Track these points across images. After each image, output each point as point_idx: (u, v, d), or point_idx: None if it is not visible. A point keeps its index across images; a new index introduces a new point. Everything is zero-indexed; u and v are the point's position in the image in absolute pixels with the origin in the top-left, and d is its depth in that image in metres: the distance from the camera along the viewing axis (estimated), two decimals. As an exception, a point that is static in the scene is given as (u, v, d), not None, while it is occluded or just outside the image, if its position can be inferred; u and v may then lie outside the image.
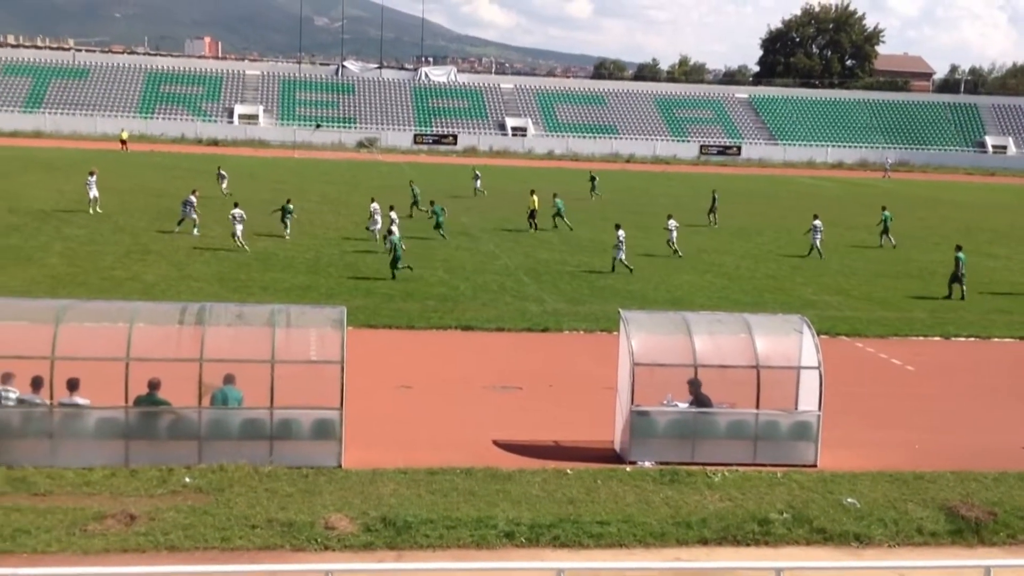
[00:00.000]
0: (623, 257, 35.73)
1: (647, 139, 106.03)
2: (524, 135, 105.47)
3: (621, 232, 35.82)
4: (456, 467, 16.10)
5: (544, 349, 25.13)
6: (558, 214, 46.03)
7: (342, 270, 33.75)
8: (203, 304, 18.15)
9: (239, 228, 36.74)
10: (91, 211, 42.97)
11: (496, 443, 17.84)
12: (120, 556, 12.50)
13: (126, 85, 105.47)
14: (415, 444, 17.48)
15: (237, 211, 37.24)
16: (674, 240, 39.83)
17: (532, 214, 45.29)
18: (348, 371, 16.48)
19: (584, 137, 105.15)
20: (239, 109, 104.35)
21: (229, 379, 16.70)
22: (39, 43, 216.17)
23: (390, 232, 34.45)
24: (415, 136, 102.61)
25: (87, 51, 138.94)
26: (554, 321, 27.73)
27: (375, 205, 40.94)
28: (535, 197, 45.88)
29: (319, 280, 31.88)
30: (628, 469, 16.75)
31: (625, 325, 17.91)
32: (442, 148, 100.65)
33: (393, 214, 37.20)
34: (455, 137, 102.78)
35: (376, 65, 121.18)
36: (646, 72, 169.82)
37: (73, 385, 16.16)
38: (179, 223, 39.87)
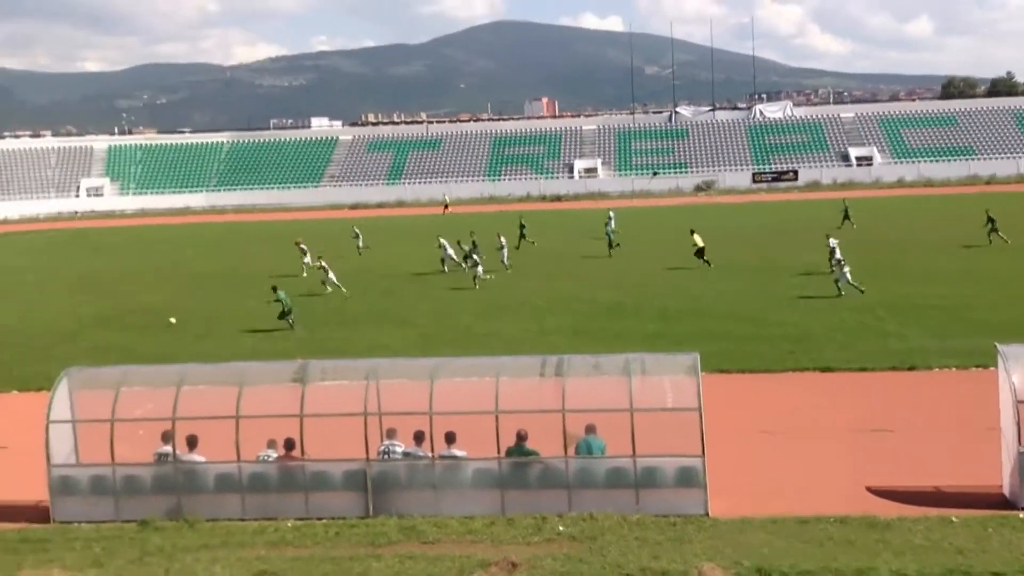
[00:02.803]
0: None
1: (1009, 158, 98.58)
2: (870, 164, 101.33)
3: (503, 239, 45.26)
4: (829, 515, 15.53)
5: (913, 388, 23.79)
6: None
7: (691, 317, 33.72)
8: (561, 356, 18.70)
9: None
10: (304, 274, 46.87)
11: (870, 489, 17.03)
12: (505, 602, 13.08)
13: (474, 151, 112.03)
14: (781, 491, 17.06)
15: None
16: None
17: (700, 252, 44.68)
18: (706, 417, 16.39)
19: (936, 161, 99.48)
20: (578, 164, 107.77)
21: (591, 428, 17.07)
22: (396, 119, 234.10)
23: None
24: (753, 175, 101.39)
25: (437, 122, 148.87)
26: (921, 358, 26.20)
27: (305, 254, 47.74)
28: (697, 236, 45.35)
29: (669, 327, 32.02)
30: (1022, 516, 15.44)
31: (1004, 360, 16.63)
32: (782, 185, 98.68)
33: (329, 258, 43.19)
34: (795, 172, 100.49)
35: (708, 107, 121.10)
36: (1001, 87, 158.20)
37: (450, 438, 17.16)
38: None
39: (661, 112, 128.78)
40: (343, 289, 41.60)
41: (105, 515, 17.07)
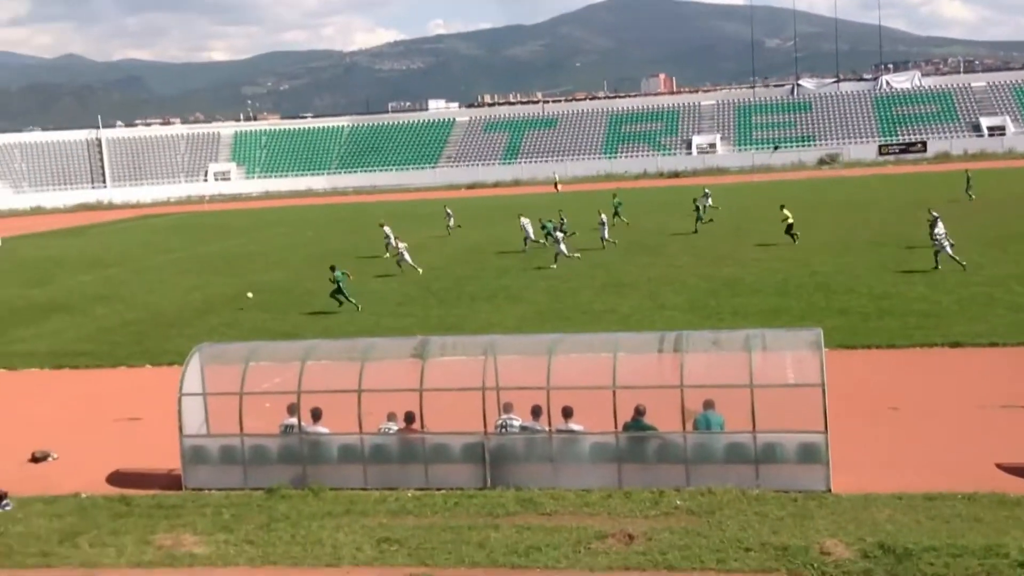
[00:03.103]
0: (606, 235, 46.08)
1: None
2: (1003, 134, 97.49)
3: (603, 216, 47.32)
4: (957, 492, 15.08)
5: (1047, 364, 22.85)
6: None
7: (812, 291, 33.03)
8: (679, 332, 18.55)
9: None
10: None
11: (1000, 467, 16.44)
12: (623, 574, 13.09)
13: (591, 129, 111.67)
14: (907, 468, 16.61)
15: None
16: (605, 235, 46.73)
17: (789, 228, 44.19)
18: (829, 393, 16.07)
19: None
20: (696, 140, 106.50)
21: (709, 404, 16.92)
22: (512, 99, 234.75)
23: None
24: (880, 147, 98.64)
25: (553, 101, 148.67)
26: (1056, 333, 25.14)
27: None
28: (787, 211, 44.81)
29: (789, 302, 31.45)
30: None
31: None
32: (910, 157, 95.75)
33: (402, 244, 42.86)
34: (924, 144, 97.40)
35: (832, 79, 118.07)
36: None
37: (568, 413, 17.21)
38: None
39: (783, 85, 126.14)
40: (418, 269, 41.90)
41: (234, 483, 17.68)
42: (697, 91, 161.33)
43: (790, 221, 44.53)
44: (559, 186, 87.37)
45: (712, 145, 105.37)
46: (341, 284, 34.49)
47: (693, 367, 16.90)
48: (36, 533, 15.78)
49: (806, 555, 13.37)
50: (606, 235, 46.85)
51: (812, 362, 16.52)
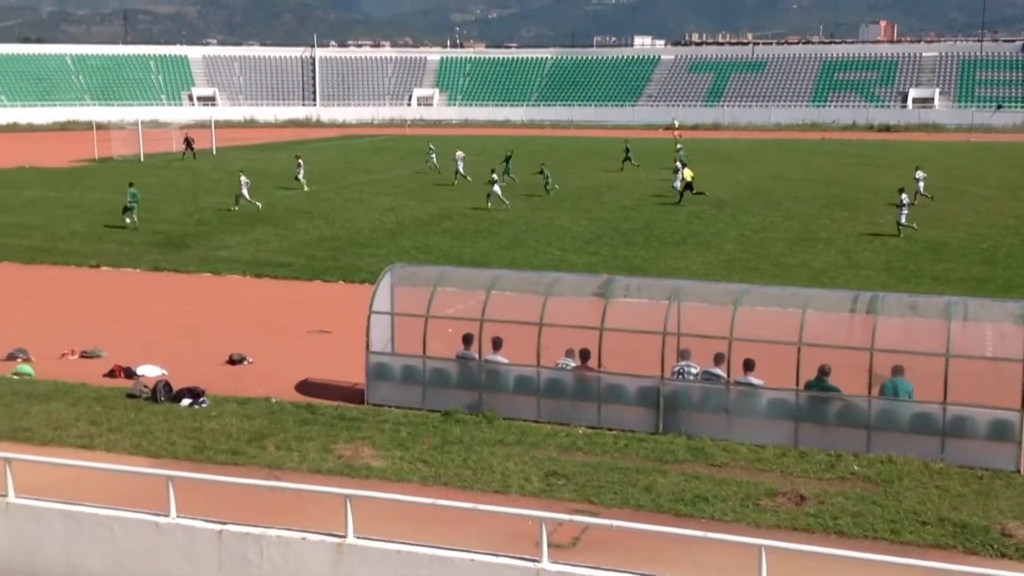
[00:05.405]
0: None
1: None
2: None
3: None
4: None
5: None
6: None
7: (1023, 262, 31.22)
8: (875, 293, 17.97)
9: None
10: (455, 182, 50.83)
11: None
12: (790, 534, 12.82)
13: (800, 75, 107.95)
14: (1110, 458, 15.61)
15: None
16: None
17: (689, 186, 44.63)
18: (1028, 371, 15.22)
19: None
20: (913, 93, 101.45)
21: (898, 370, 16.33)
22: (720, 39, 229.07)
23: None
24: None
25: (764, 44, 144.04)
26: None
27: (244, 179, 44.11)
28: (687, 170, 44.48)
29: (996, 271, 29.84)
30: None
31: None
32: None
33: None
34: None
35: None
36: None
37: (749, 365, 16.90)
38: None
39: (1014, 41, 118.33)
40: (257, 204, 42.92)
41: (413, 402, 18.24)
42: (919, 41, 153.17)
43: (689, 180, 44.51)
44: (678, 131, 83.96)
45: (929, 99, 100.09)
46: (132, 202, 36.94)
47: (886, 330, 16.31)
48: (228, 432, 16.76)
49: (986, 535, 12.83)
50: (677, 183, 45.71)
51: (1016, 336, 15.76)
